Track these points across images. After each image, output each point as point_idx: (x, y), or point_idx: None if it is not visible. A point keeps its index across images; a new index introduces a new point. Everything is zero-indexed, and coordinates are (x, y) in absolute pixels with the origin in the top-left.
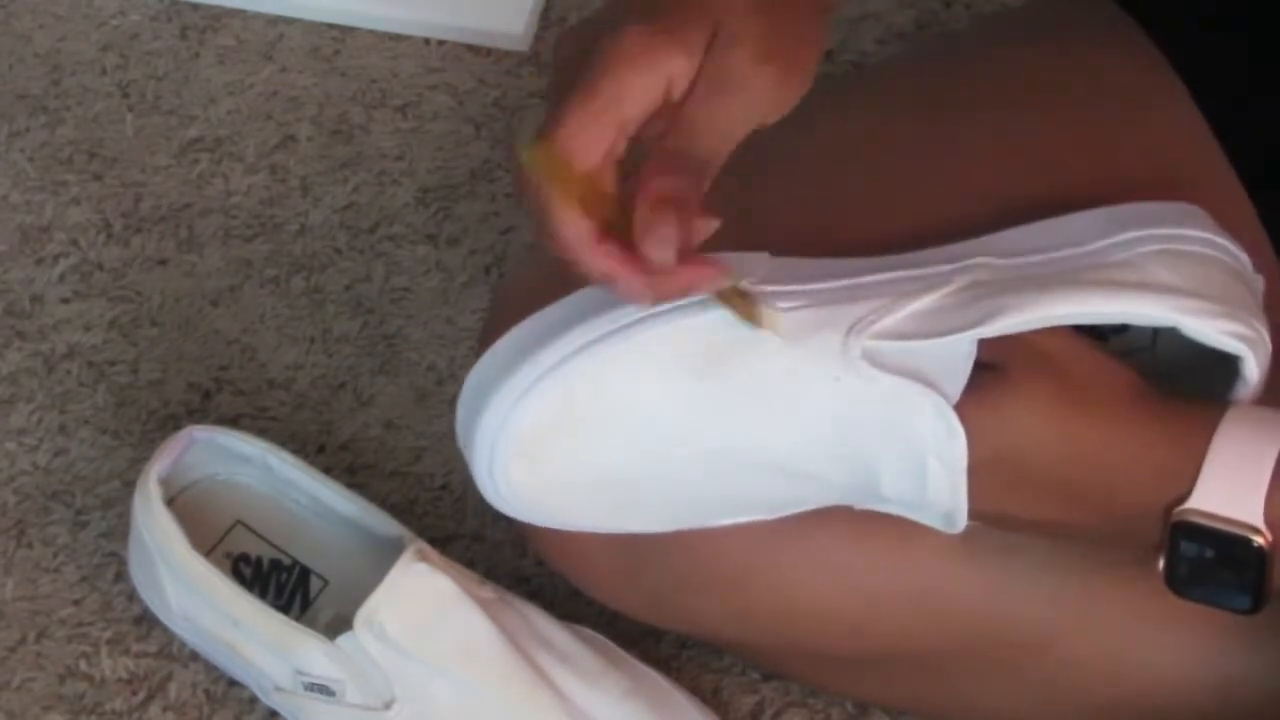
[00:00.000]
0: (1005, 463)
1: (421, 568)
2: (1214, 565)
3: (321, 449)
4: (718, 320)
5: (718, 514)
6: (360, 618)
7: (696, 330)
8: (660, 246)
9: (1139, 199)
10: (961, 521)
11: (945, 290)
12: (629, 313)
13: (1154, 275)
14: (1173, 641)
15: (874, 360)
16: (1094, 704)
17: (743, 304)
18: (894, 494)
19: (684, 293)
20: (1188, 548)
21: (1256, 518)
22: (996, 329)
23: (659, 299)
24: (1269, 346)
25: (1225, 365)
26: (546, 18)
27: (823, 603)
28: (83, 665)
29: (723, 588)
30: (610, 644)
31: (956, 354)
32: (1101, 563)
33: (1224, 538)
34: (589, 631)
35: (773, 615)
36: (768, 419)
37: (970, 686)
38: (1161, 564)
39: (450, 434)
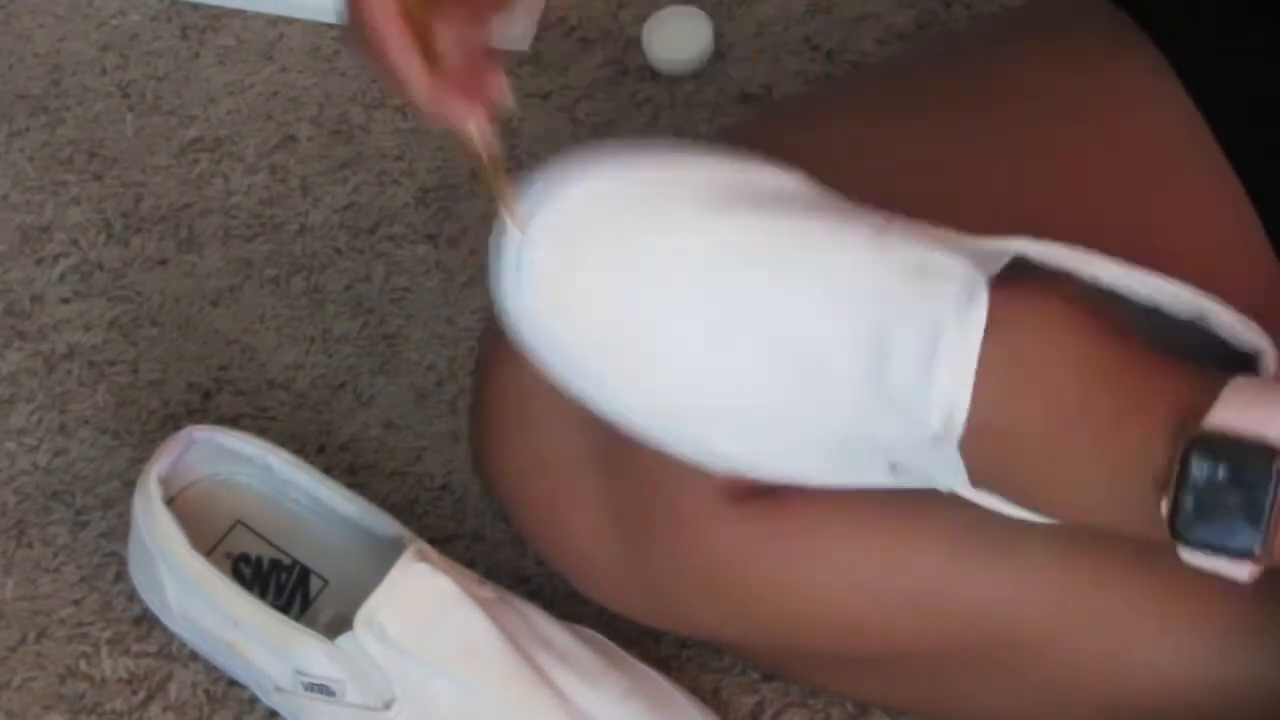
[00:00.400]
0: (1018, 360)
1: (421, 568)
2: (1225, 490)
3: (321, 449)
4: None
5: (706, 396)
6: (360, 618)
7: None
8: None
9: (1138, 198)
10: (958, 426)
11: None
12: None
13: None
14: (1173, 642)
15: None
16: (1094, 704)
17: (498, 180)
18: (899, 381)
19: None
20: (1199, 469)
21: (1276, 439)
22: (1040, 251)
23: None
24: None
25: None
26: (546, 18)
27: (823, 603)
28: (83, 665)
29: (722, 588)
30: (610, 644)
31: (993, 255)
32: (1102, 562)
33: (1241, 450)
34: (589, 631)
35: (773, 616)
36: (800, 275)
37: (970, 687)
38: (1165, 507)
39: (450, 434)
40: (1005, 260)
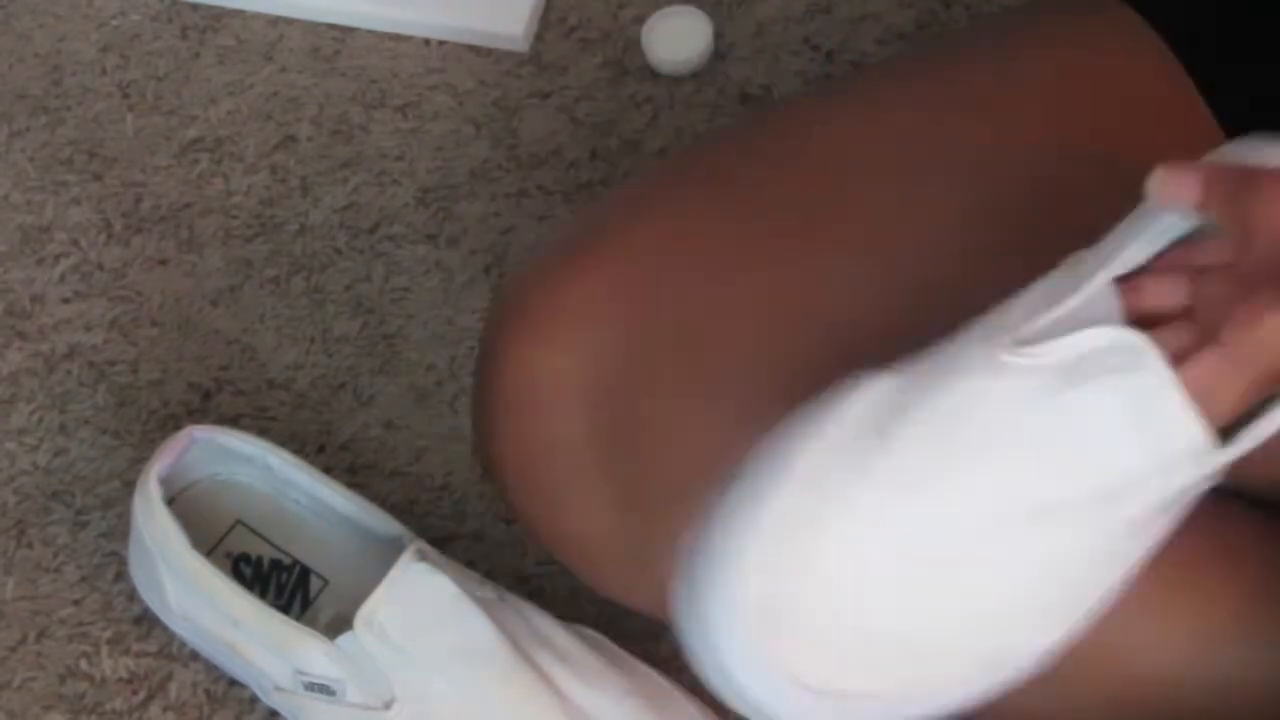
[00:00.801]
0: None
1: (421, 568)
2: None
3: (321, 449)
4: None
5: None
6: (360, 618)
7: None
8: None
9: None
10: (1209, 443)
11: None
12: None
13: None
14: (1173, 642)
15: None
16: (1094, 703)
17: None
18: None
19: None
20: None
21: None
22: (1124, 261)
23: None
24: None
25: None
26: (546, 18)
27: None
28: (83, 665)
29: None
30: (610, 644)
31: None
32: None
33: None
34: (589, 631)
35: None
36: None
37: None
38: None
39: (450, 434)
40: (1114, 297)
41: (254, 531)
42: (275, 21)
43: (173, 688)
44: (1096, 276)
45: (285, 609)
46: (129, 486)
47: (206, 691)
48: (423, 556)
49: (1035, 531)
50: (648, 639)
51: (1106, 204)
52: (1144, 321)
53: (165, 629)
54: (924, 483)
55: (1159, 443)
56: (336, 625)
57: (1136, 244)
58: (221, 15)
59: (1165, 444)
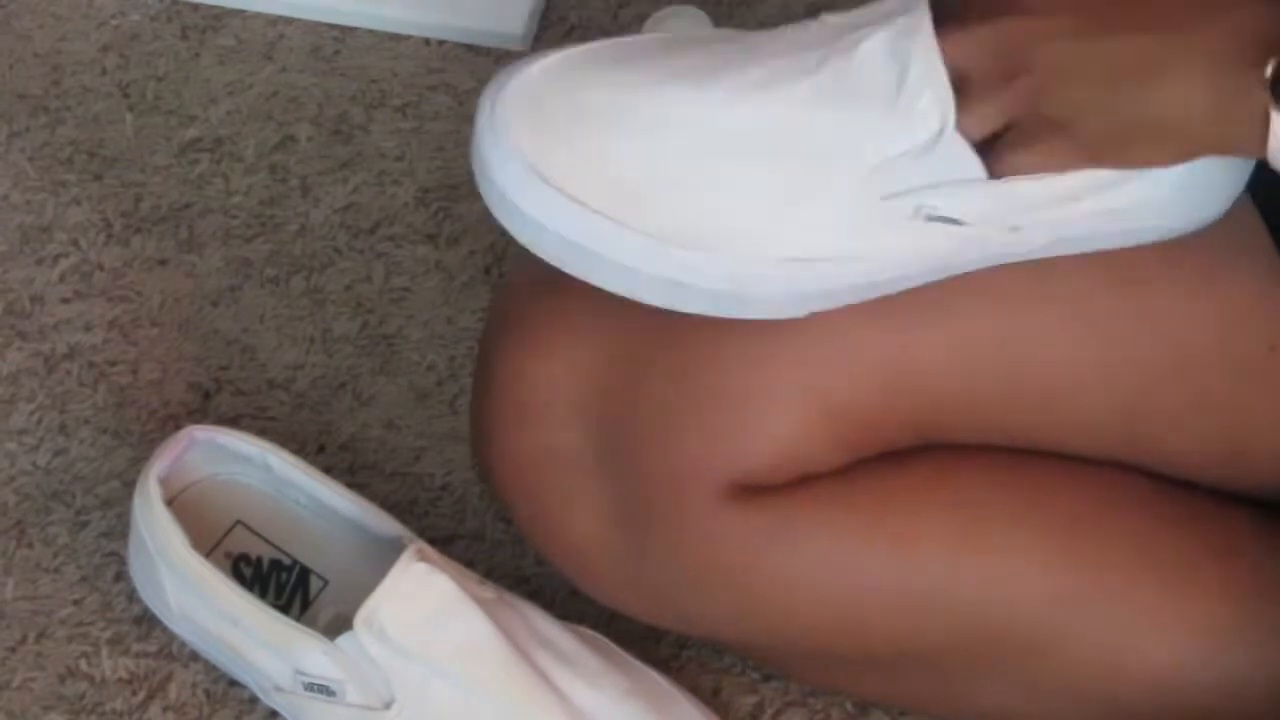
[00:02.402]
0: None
1: (421, 568)
2: None
3: (321, 449)
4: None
5: (714, 215)
6: (360, 618)
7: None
8: None
9: None
10: (950, 113)
11: None
12: None
13: None
14: (1173, 642)
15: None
16: (1093, 704)
17: None
18: (875, 98)
19: None
20: None
21: None
22: None
23: None
24: None
25: None
26: (546, 18)
27: (823, 601)
28: (83, 665)
29: (723, 586)
30: (610, 644)
31: None
32: (1101, 562)
33: None
34: (589, 631)
35: (773, 614)
36: (756, 67)
37: (970, 686)
38: (1270, 69)
39: (450, 434)
40: None
41: (254, 531)
42: (275, 21)
43: (173, 688)
44: None
45: (285, 609)
46: (129, 486)
47: (206, 691)
48: (423, 556)
49: (783, 156)
50: (648, 639)
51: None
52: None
53: (165, 629)
54: (698, 79)
55: (907, 96)
56: (336, 625)
57: None
58: (221, 15)
59: (912, 97)
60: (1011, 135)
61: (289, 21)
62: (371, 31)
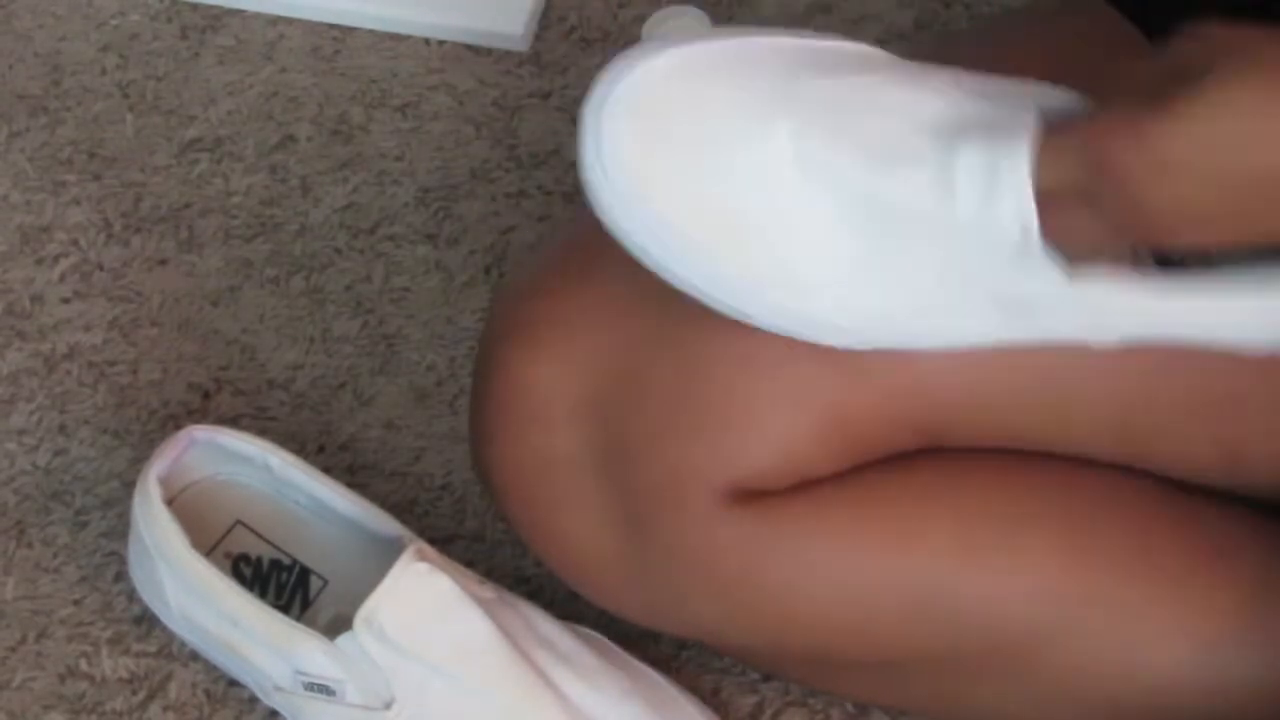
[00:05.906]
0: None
1: (421, 568)
2: None
3: (321, 449)
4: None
5: (796, 267)
6: (360, 618)
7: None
8: None
9: None
10: (1032, 221)
11: None
12: None
13: None
14: (1172, 645)
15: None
16: (1093, 706)
17: None
18: (968, 206)
19: None
20: None
21: None
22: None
23: None
24: None
25: None
26: (546, 18)
27: (824, 604)
28: (83, 665)
29: (723, 590)
30: (610, 644)
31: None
32: (1102, 565)
33: None
34: (589, 631)
35: (773, 617)
36: (871, 130)
37: (970, 688)
38: None
39: (450, 434)
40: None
41: (254, 531)
42: (275, 21)
43: (173, 688)
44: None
45: (285, 609)
46: (129, 486)
47: (206, 691)
48: (423, 556)
49: (878, 219)
50: (648, 639)
51: None
52: None
53: (165, 629)
54: (815, 115)
55: (993, 205)
56: (336, 625)
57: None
58: (221, 15)
59: (998, 207)
60: None
61: (289, 21)
62: (371, 31)
